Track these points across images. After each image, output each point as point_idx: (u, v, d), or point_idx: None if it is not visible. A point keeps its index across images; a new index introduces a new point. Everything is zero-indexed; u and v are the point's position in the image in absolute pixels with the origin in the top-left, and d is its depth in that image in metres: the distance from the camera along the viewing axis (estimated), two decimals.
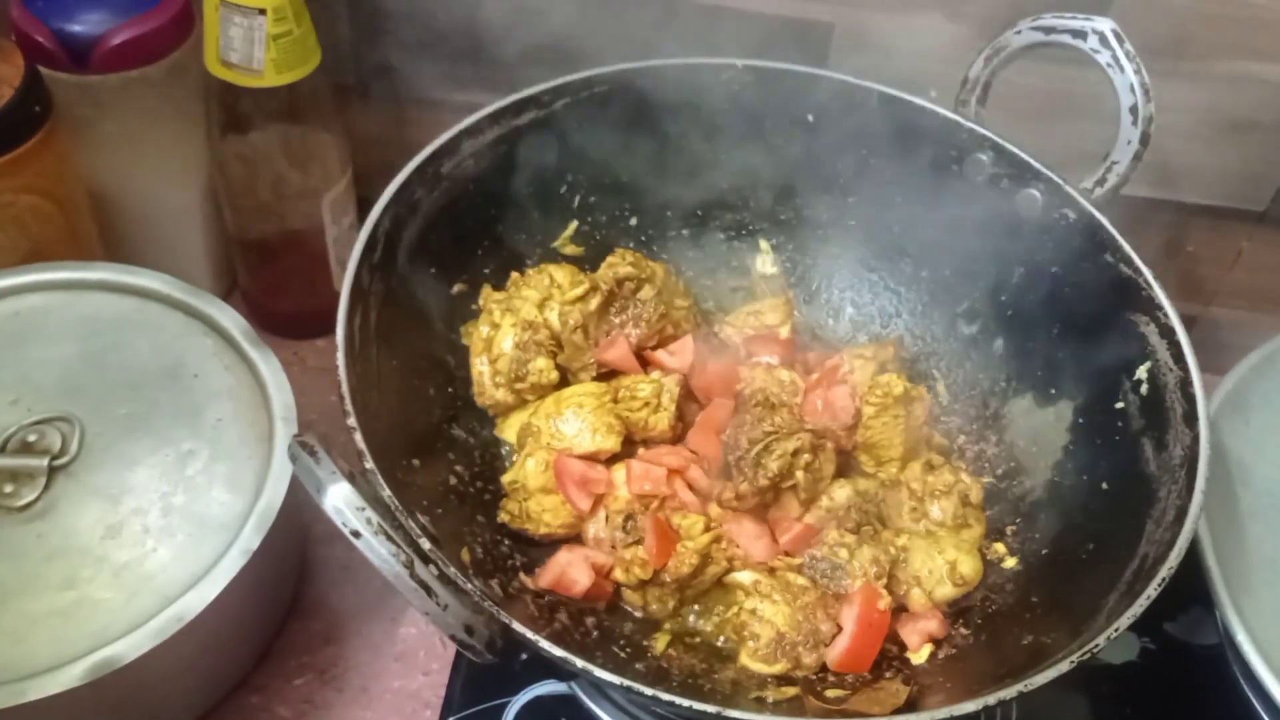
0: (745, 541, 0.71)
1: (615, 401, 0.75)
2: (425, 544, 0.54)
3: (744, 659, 0.69)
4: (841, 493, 0.73)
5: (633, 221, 0.86)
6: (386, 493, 0.56)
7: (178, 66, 0.83)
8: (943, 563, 0.71)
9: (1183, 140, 0.88)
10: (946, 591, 0.71)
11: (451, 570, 0.53)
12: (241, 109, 0.81)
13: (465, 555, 0.63)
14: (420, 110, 0.95)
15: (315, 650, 0.79)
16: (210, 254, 0.96)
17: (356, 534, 0.51)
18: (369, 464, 0.57)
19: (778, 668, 0.68)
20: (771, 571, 0.71)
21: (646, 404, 0.75)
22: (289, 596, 0.81)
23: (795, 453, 0.71)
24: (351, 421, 0.58)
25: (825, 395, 0.76)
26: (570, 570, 0.69)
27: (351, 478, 0.53)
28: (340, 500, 0.51)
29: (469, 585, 0.53)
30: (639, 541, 0.69)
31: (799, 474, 0.71)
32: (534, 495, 0.71)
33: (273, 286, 0.95)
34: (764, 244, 0.88)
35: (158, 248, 0.91)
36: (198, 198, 0.92)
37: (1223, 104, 0.88)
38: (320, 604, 0.82)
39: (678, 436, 0.77)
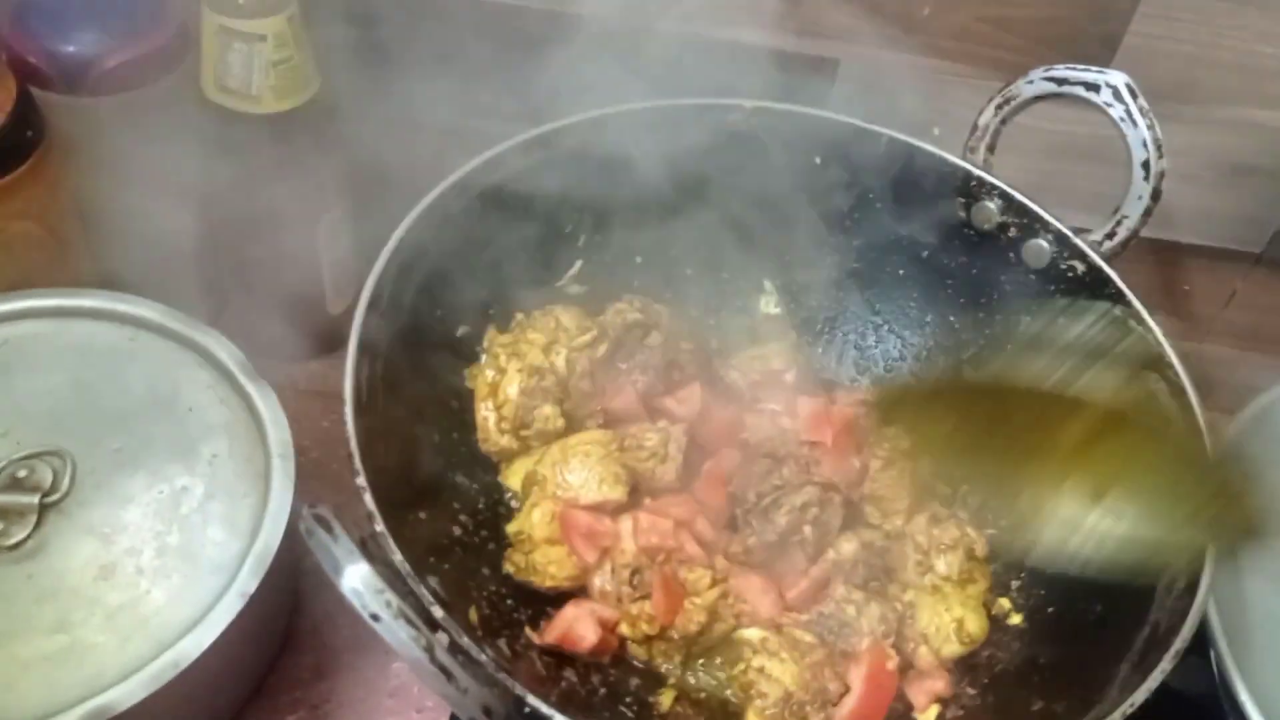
0: (752, 597, 0.71)
1: (622, 450, 0.74)
2: (438, 612, 0.53)
3: (751, 718, 0.68)
4: (848, 546, 0.73)
5: (638, 260, 0.85)
6: (398, 557, 0.55)
7: (174, 90, 0.82)
8: (949, 620, 0.71)
9: (1184, 183, 0.88)
10: (953, 649, 0.71)
11: (465, 640, 0.52)
12: (238, 134, 0.80)
13: (473, 615, 0.62)
14: (419, 135, 0.94)
15: (307, 685, 0.78)
16: (202, 277, 0.94)
17: (376, 617, 0.50)
18: (379, 526, 0.56)
19: None
20: (779, 629, 0.71)
21: (653, 454, 0.74)
22: (282, 632, 0.79)
23: (803, 507, 0.71)
24: (361, 481, 0.57)
25: (832, 447, 0.75)
26: (577, 626, 0.68)
27: (363, 544, 0.52)
28: (359, 582, 0.50)
29: (483, 656, 0.52)
30: (646, 596, 0.69)
31: (806, 528, 0.71)
32: (540, 546, 0.70)
33: (266, 311, 0.93)
34: (768, 284, 0.87)
35: (148, 271, 0.89)
36: (191, 221, 0.90)
37: (1224, 148, 0.88)
38: (313, 638, 0.80)
39: (684, 486, 0.76)
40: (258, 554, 0.68)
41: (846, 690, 0.69)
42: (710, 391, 0.80)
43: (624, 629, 0.69)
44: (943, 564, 0.73)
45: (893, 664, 0.69)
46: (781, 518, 0.70)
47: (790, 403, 0.80)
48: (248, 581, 0.67)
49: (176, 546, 0.69)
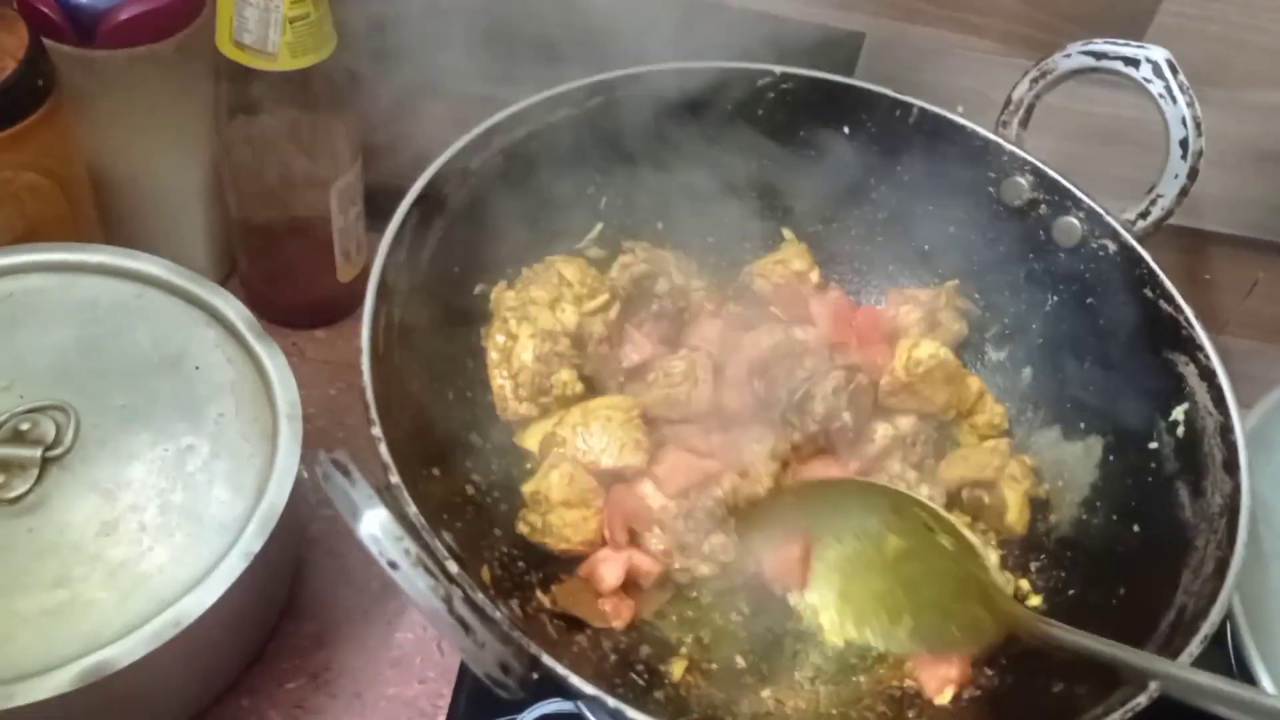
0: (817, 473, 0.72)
1: (648, 387, 0.74)
2: (452, 566, 0.52)
3: None
4: (906, 421, 0.74)
5: (659, 225, 0.83)
6: (412, 510, 0.53)
7: (187, 45, 0.80)
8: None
9: (1210, 168, 0.86)
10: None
11: (479, 596, 0.50)
12: (252, 92, 0.78)
13: (486, 574, 0.61)
14: (436, 101, 0.92)
15: (308, 653, 0.77)
16: (210, 238, 0.93)
17: (394, 565, 0.48)
18: (394, 478, 0.54)
19: None
20: None
21: (686, 377, 0.74)
22: (284, 596, 0.78)
23: (835, 391, 0.71)
24: (376, 431, 0.56)
25: (856, 341, 0.77)
26: (602, 566, 0.67)
27: (379, 494, 0.51)
28: (378, 528, 0.48)
29: (497, 613, 0.51)
30: (711, 532, 0.69)
31: (845, 414, 0.71)
32: (556, 508, 0.69)
33: (274, 275, 0.92)
34: (787, 233, 0.86)
35: (157, 230, 0.88)
36: (200, 180, 0.89)
37: (1253, 134, 0.87)
38: (315, 604, 0.79)
39: (715, 408, 0.76)
40: (263, 514, 0.67)
41: None
42: (728, 323, 0.79)
43: (701, 569, 0.70)
44: None
45: None
46: (818, 406, 0.70)
47: (810, 309, 0.80)
48: (252, 542, 0.66)
49: (180, 505, 0.67)
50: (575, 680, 0.50)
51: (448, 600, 0.47)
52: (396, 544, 0.48)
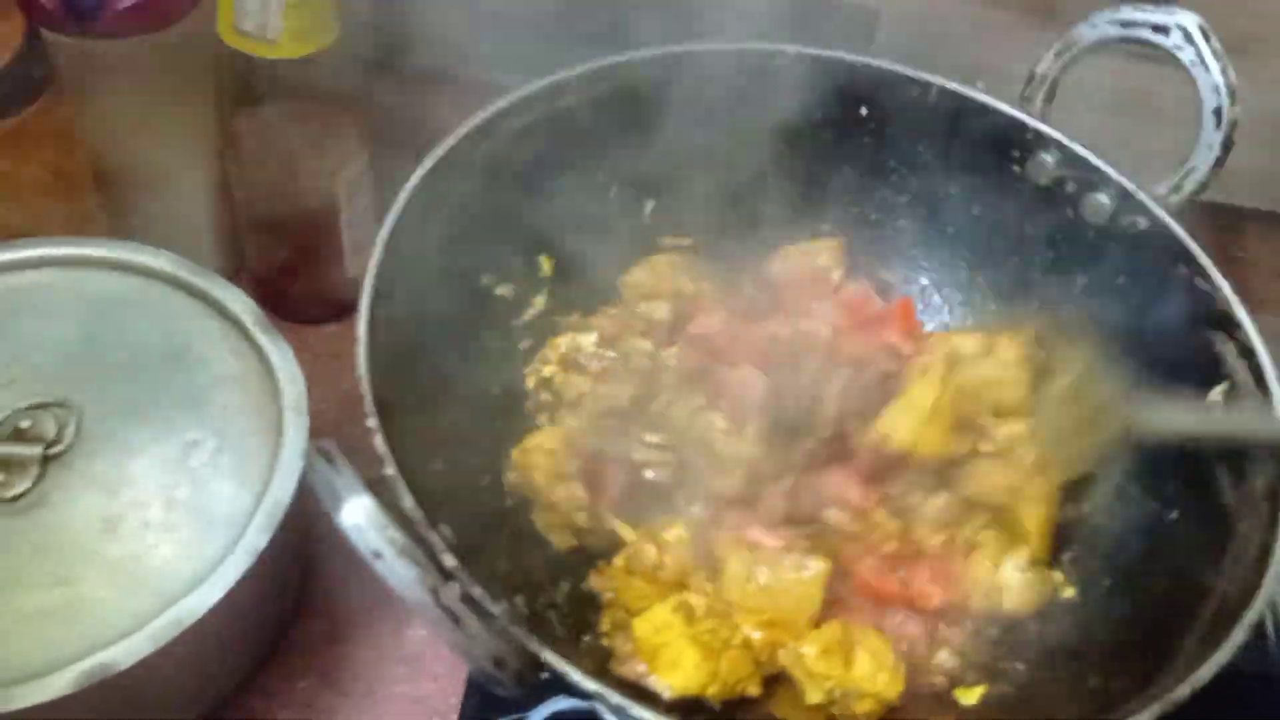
0: (834, 490, 0.68)
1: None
2: (449, 559, 0.49)
3: None
4: None
5: (671, 213, 0.81)
6: (409, 502, 0.51)
7: (189, 34, 0.79)
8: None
9: (1243, 142, 0.83)
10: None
11: (476, 590, 0.48)
12: (255, 81, 0.77)
13: (500, 568, 0.59)
14: (444, 87, 0.91)
15: (319, 651, 0.76)
16: (216, 233, 0.91)
17: (378, 554, 0.46)
18: (390, 470, 0.52)
19: None
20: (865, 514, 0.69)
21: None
22: (294, 594, 0.77)
23: (844, 392, 0.68)
24: (372, 422, 0.54)
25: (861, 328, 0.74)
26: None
27: (371, 486, 0.49)
28: (361, 516, 0.46)
29: (496, 609, 0.48)
30: None
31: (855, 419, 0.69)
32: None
33: (282, 269, 0.91)
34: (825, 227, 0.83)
35: (161, 224, 0.86)
36: (205, 173, 0.87)
37: None
38: (326, 601, 0.78)
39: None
40: (268, 509, 0.65)
41: None
42: (733, 313, 0.76)
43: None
44: None
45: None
46: (831, 409, 0.67)
47: (834, 304, 0.77)
48: (258, 537, 0.64)
49: (184, 500, 0.66)
50: (577, 676, 0.48)
51: (434, 591, 0.45)
52: (381, 533, 0.45)
